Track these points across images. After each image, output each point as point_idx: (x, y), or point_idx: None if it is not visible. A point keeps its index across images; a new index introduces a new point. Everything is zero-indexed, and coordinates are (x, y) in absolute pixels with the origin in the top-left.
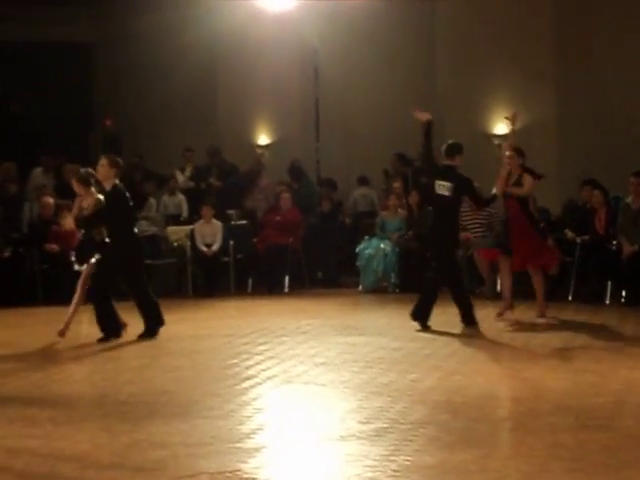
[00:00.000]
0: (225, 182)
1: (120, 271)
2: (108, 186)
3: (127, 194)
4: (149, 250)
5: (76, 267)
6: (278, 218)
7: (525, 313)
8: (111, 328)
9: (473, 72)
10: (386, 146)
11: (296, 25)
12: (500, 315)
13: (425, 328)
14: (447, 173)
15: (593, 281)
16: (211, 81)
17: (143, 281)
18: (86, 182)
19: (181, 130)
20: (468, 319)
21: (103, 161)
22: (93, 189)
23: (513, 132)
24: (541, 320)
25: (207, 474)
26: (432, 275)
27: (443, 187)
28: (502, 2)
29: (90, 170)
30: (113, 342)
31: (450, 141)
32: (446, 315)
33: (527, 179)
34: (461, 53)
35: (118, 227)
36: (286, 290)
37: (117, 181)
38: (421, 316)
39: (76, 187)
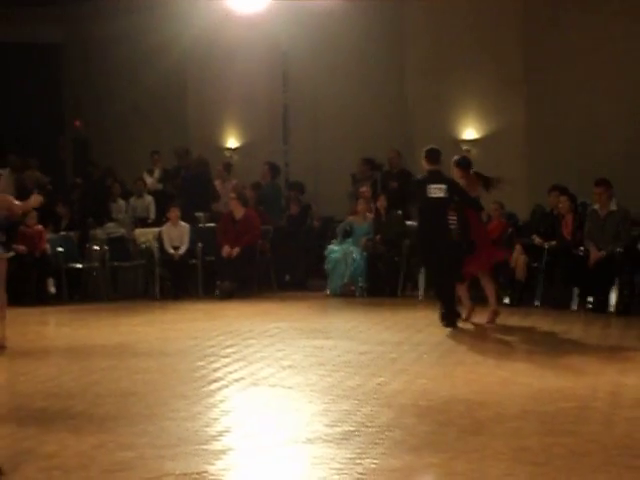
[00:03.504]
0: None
1: None
2: None
3: None
4: (117, 252)
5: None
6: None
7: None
8: None
9: (443, 77)
10: (355, 150)
11: (266, 27)
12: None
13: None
14: (438, 176)
15: (560, 287)
16: (181, 83)
17: None
18: None
19: (151, 132)
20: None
21: None
22: None
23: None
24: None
25: (174, 475)
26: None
27: (439, 190)
28: (472, 8)
29: None
30: (80, 343)
31: (432, 147)
32: (412, 319)
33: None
34: (431, 58)
35: None
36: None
37: None
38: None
39: None
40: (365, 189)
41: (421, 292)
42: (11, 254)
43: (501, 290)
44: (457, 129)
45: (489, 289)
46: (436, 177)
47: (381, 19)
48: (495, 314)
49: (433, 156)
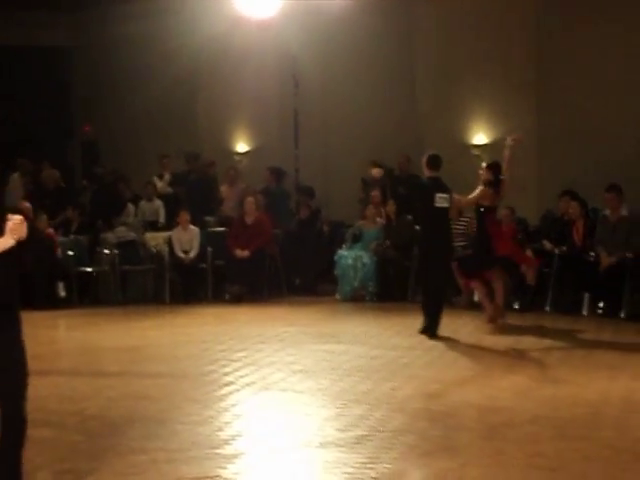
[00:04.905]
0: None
1: None
2: None
3: None
4: (127, 256)
5: None
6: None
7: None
8: None
9: (453, 82)
10: (365, 154)
11: (276, 32)
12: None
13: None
14: (441, 185)
15: (570, 292)
16: (191, 87)
17: None
18: None
19: (160, 137)
20: (432, 330)
21: None
22: None
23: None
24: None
25: (187, 479)
26: (435, 286)
27: (444, 199)
28: (483, 12)
29: None
30: (91, 347)
31: (432, 153)
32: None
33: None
34: (441, 62)
35: None
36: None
37: None
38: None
39: None
40: (375, 193)
41: None
42: None
43: (511, 295)
44: (467, 134)
45: (499, 290)
46: (440, 185)
47: (391, 24)
48: (498, 313)
49: (436, 162)
